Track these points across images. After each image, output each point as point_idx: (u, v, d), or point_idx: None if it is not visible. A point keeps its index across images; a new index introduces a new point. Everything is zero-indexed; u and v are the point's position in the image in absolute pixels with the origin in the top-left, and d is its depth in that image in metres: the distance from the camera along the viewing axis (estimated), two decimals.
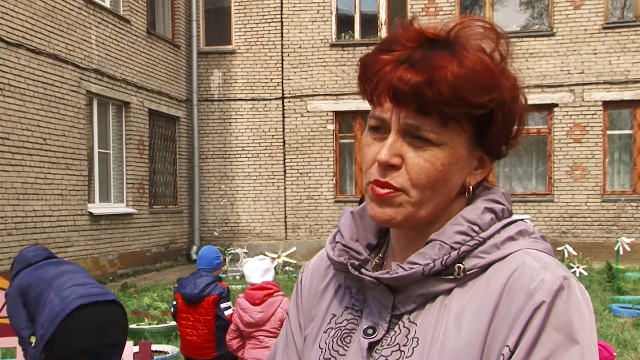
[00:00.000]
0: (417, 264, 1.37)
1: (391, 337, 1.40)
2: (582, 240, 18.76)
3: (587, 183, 19.00)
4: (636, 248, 16.89)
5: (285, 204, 20.60)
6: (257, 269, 6.35)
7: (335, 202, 20.23)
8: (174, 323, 10.39)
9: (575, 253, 14.68)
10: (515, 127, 1.42)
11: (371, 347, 1.41)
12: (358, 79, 1.42)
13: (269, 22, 20.62)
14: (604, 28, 18.91)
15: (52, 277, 5.71)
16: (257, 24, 20.69)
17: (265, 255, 9.58)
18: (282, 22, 20.53)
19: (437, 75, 1.30)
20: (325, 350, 1.49)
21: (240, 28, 20.83)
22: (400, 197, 1.37)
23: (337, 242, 1.52)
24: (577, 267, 14.37)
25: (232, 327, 6.36)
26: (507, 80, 1.37)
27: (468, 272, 1.36)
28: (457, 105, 1.31)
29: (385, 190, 1.37)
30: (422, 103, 1.31)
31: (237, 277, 16.31)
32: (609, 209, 18.92)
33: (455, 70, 1.31)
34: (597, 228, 18.96)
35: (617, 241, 15.03)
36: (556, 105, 19.11)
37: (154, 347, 8.62)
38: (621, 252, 14.81)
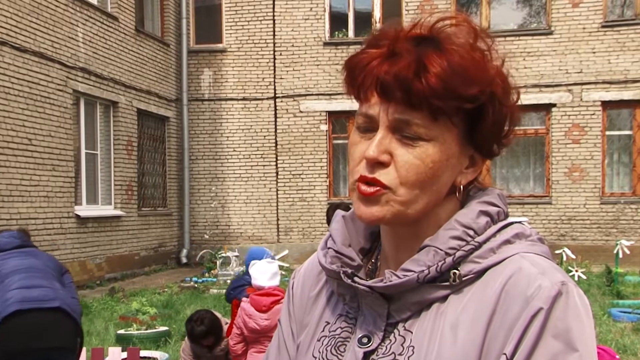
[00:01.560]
0: (411, 271, 1.35)
1: (386, 346, 1.38)
2: (581, 243, 18.73)
3: (586, 185, 18.98)
4: (636, 251, 16.80)
5: (277, 206, 20.55)
6: (266, 272, 6.23)
7: (329, 204, 19.87)
8: (163, 328, 10.36)
9: (573, 256, 14.80)
10: (507, 126, 1.40)
11: (366, 356, 1.40)
12: (344, 78, 1.40)
13: (260, 20, 20.55)
14: (603, 26, 18.88)
15: (7, 273, 5.64)
16: (248, 21, 20.62)
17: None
18: (274, 20, 20.46)
19: (426, 67, 1.28)
20: (319, 359, 1.46)
21: (231, 26, 20.76)
22: (387, 195, 1.34)
23: (329, 248, 1.49)
24: (576, 271, 14.39)
25: (236, 331, 6.25)
26: (497, 74, 1.36)
27: (464, 278, 1.34)
28: (448, 97, 1.29)
29: (372, 189, 1.34)
30: (411, 96, 1.29)
31: (228, 281, 16.06)
32: (608, 211, 18.91)
33: (445, 63, 1.29)
34: (596, 231, 18.95)
35: (617, 244, 15.17)
36: (554, 105, 19.06)
37: (143, 353, 8.45)
38: (620, 255, 14.88)
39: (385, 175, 1.33)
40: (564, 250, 14.50)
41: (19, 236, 6.06)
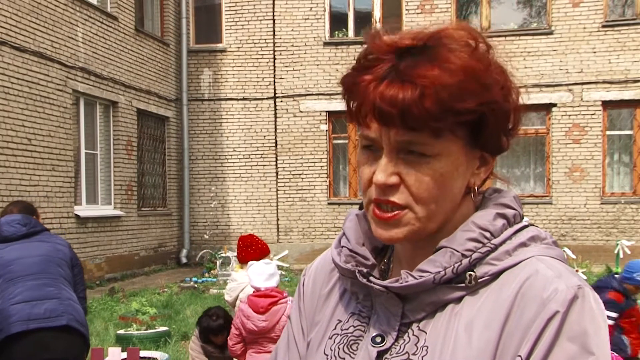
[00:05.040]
0: (428, 272, 1.35)
1: (400, 346, 1.38)
2: (581, 243, 18.69)
3: (586, 185, 18.92)
4: (636, 251, 16.65)
5: (277, 206, 20.50)
6: (262, 273, 6.20)
7: (329, 204, 20.14)
8: (163, 328, 10.30)
9: (574, 256, 14.74)
10: (512, 122, 1.40)
11: (380, 355, 1.40)
12: (344, 102, 1.40)
13: (260, 20, 20.51)
14: (604, 26, 18.83)
15: (13, 278, 5.23)
16: (248, 21, 20.58)
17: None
18: (274, 20, 20.42)
19: (421, 90, 1.27)
20: (331, 357, 1.47)
21: (231, 26, 20.72)
22: (407, 215, 1.35)
23: (342, 247, 1.49)
24: (576, 271, 14.23)
25: (234, 332, 6.23)
26: (496, 78, 1.34)
27: (479, 280, 1.34)
28: (446, 117, 1.28)
29: (390, 214, 1.35)
30: (409, 121, 1.29)
31: (228, 281, 16.00)
32: (608, 211, 18.86)
33: (440, 81, 1.28)
34: (596, 231, 18.90)
35: (617, 244, 15.05)
36: (554, 105, 19.02)
37: (143, 353, 8.39)
38: (621, 255, 14.96)
39: (399, 196, 1.34)
40: (564, 251, 14.46)
41: (24, 222, 5.53)
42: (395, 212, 1.34)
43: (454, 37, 1.34)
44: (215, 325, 7.00)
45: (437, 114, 1.27)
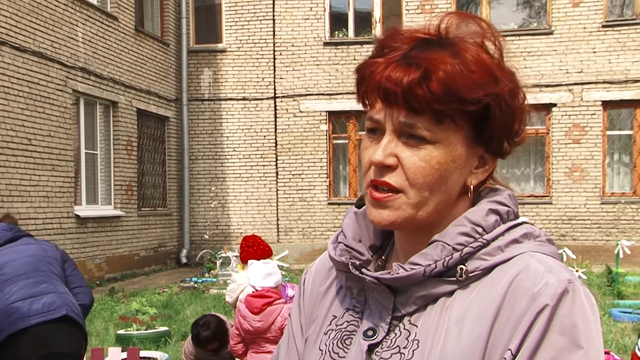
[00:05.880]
0: (419, 264, 1.36)
1: (391, 339, 1.40)
2: (581, 243, 18.70)
3: (586, 185, 18.93)
4: (636, 251, 16.73)
5: (277, 206, 20.49)
6: (259, 272, 6.19)
7: (329, 204, 20.14)
8: (163, 328, 10.28)
9: (574, 256, 14.70)
10: (517, 124, 1.41)
11: (371, 349, 1.41)
12: (355, 86, 1.43)
13: (260, 20, 20.51)
14: (604, 26, 18.84)
15: (6, 280, 5.25)
16: (248, 21, 20.58)
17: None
18: (274, 20, 20.43)
19: (428, 72, 1.30)
20: (325, 352, 1.48)
21: (231, 26, 20.73)
22: (399, 199, 1.36)
23: (339, 242, 1.51)
24: (576, 271, 14.25)
25: (234, 332, 6.24)
26: (505, 76, 1.36)
27: (470, 274, 1.35)
28: (449, 101, 1.30)
29: (384, 195, 1.37)
30: (412, 102, 1.31)
31: (228, 281, 16.02)
32: (608, 211, 18.86)
33: (449, 67, 1.30)
34: (596, 231, 18.90)
35: (617, 244, 15.04)
36: (554, 105, 19.02)
37: (143, 353, 8.42)
38: (621, 255, 14.84)
39: (394, 178, 1.35)
40: (564, 251, 14.43)
41: (9, 227, 5.68)
42: (389, 194, 1.36)
43: (468, 33, 1.38)
44: (203, 336, 6.98)
45: (441, 96, 1.29)
